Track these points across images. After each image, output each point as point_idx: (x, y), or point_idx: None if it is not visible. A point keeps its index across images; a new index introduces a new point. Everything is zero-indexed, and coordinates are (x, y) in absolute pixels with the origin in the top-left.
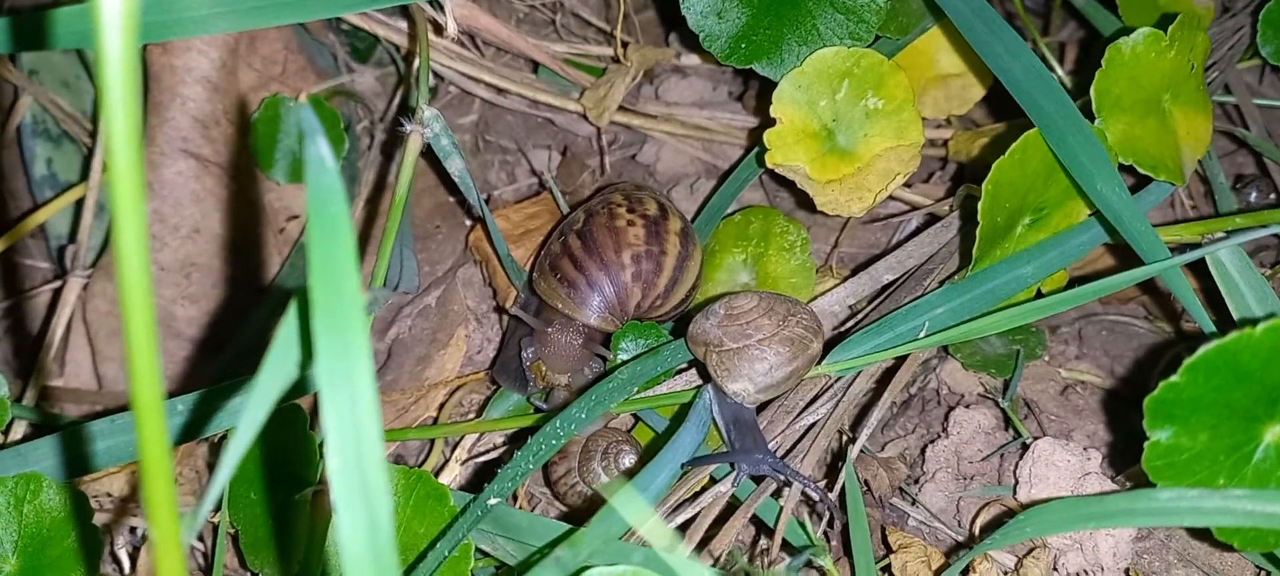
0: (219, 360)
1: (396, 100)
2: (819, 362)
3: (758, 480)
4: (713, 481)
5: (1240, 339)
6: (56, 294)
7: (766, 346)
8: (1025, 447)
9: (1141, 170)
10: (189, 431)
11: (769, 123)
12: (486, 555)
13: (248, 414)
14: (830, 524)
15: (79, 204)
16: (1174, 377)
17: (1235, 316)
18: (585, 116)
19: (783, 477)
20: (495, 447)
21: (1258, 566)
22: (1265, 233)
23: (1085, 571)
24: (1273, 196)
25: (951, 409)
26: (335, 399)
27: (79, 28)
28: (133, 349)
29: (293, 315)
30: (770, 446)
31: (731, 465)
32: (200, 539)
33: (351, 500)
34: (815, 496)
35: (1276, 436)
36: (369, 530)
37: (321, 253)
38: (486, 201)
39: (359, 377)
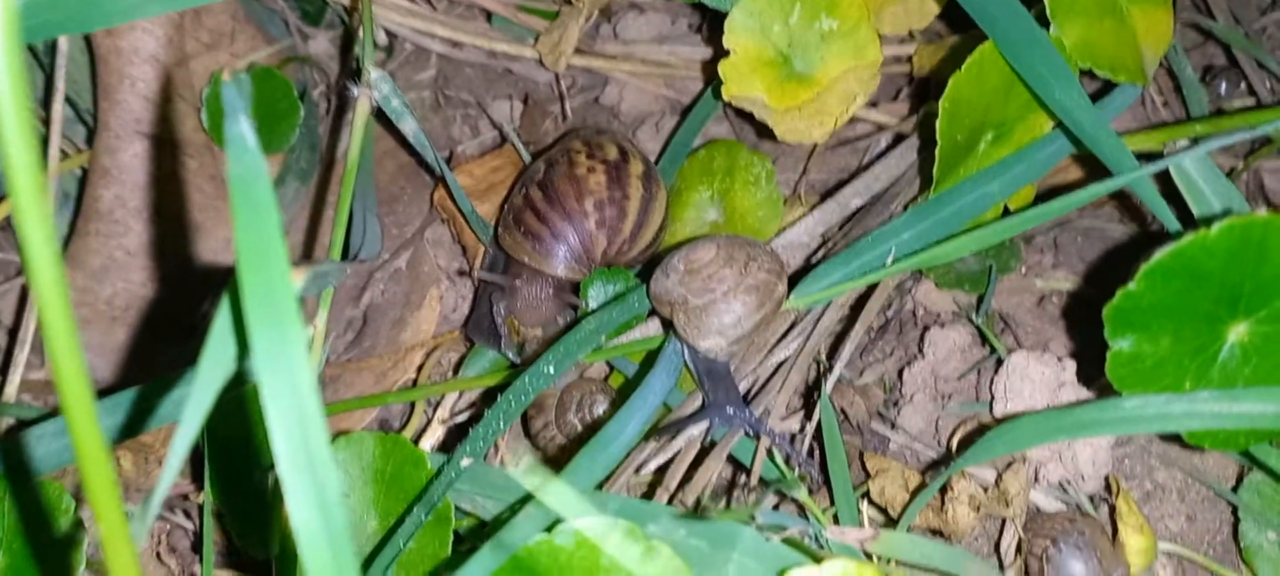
0: (192, 342)
1: (351, 62)
2: (787, 298)
3: None
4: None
5: (1196, 241)
6: (25, 289)
7: (732, 298)
8: (1001, 363)
9: (1101, 74)
10: (147, 421)
11: (723, 46)
12: (468, 514)
13: (190, 408)
14: (810, 454)
15: None
16: (1130, 286)
17: (1198, 219)
18: (542, 62)
19: (756, 431)
20: (474, 404)
21: (1239, 463)
22: (1235, 139)
23: (1066, 481)
24: (1243, 85)
25: (928, 329)
26: (275, 386)
27: None
28: (56, 353)
29: (226, 305)
30: (745, 384)
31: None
32: (188, 516)
33: (300, 484)
34: (788, 452)
35: (1241, 335)
36: (320, 513)
37: (249, 238)
38: (449, 158)
39: (296, 363)
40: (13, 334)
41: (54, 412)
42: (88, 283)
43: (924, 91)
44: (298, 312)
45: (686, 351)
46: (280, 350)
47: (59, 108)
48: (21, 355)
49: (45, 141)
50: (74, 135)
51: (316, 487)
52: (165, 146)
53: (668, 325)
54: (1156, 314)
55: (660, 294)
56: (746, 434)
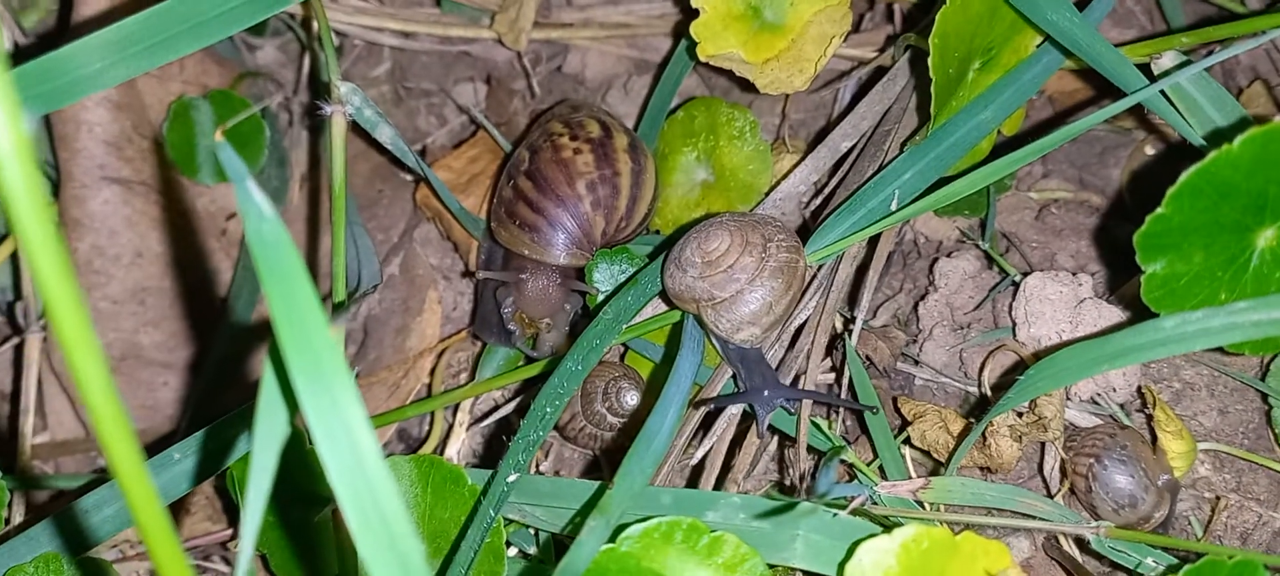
0: (198, 379)
1: (304, 68)
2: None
3: None
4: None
5: (1220, 157)
6: (17, 351)
7: (758, 285)
8: (1015, 286)
9: None
10: (196, 474)
11: (690, 9)
12: (514, 520)
13: (254, 484)
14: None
15: (15, 255)
16: (1160, 210)
17: (1199, 131)
18: (501, 41)
19: (799, 403)
20: (496, 404)
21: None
22: (1227, 55)
23: (1098, 395)
24: None
25: (934, 260)
26: (334, 448)
27: None
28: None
29: (270, 369)
30: (773, 353)
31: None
32: (227, 563)
33: (378, 548)
34: (832, 404)
35: (1269, 240)
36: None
37: (283, 304)
38: (423, 153)
39: (355, 426)
40: (14, 400)
41: (83, 487)
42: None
43: (889, 15)
44: (349, 375)
45: (718, 343)
46: (334, 412)
47: None
48: (27, 422)
49: None
50: None
51: (394, 550)
52: (134, 188)
53: (698, 321)
54: (1186, 233)
55: (681, 291)
56: (788, 411)
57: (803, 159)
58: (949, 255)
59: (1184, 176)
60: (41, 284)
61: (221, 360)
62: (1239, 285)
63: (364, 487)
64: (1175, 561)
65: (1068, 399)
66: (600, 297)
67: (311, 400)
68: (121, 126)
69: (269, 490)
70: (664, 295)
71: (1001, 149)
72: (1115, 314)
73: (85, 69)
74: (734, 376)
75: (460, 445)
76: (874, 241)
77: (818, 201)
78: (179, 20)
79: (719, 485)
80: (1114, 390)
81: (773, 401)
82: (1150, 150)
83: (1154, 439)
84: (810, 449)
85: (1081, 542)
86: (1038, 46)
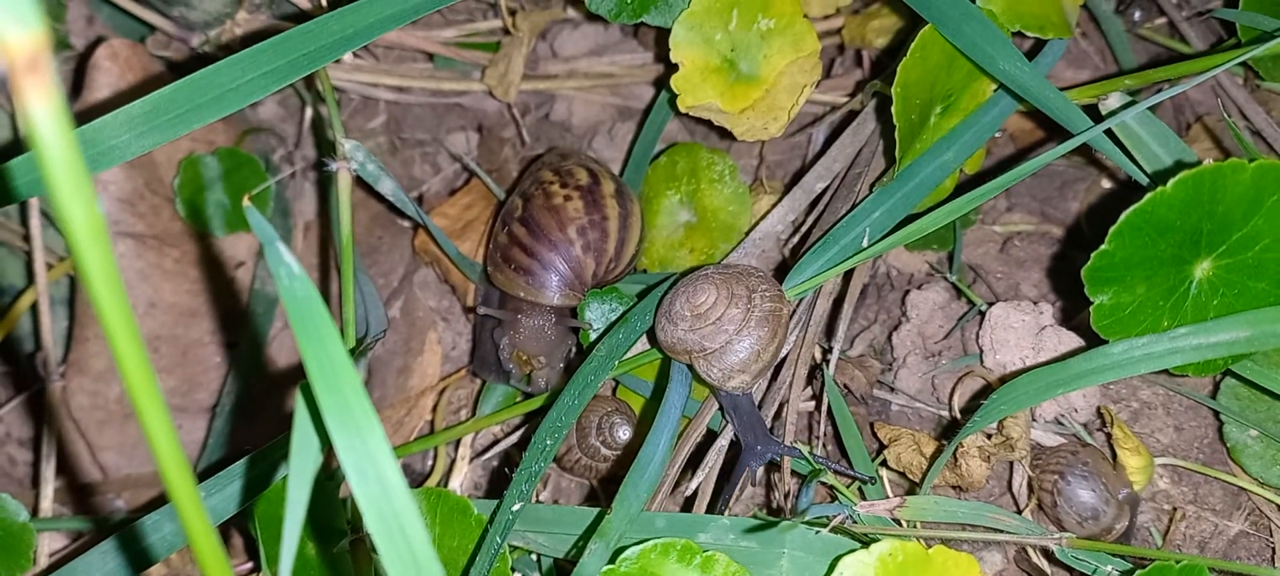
0: (214, 423)
1: (304, 121)
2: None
3: None
4: (712, 434)
5: (1155, 198)
6: (38, 399)
7: (746, 334)
8: (982, 315)
9: (1030, 33)
10: (221, 512)
11: (669, 59)
12: (517, 548)
13: (290, 516)
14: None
15: (35, 306)
16: (1104, 247)
17: (1147, 166)
18: (492, 93)
19: (789, 456)
20: (495, 439)
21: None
22: (1165, 96)
23: (1061, 416)
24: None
25: (906, 292)
26: (364, 485)
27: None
28: (170, 482)
29: (302, 411)
30: (757, 382)
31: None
32: None
33: (405, 572)
34: (819, 462)
35: (1205, 271)
36: None
37: (315, 355)
38: (420, 200)
39: (383, 463)
40: (36, 446)
41: (119, 525)
42: (95, 386)
43: (859, 60)
44: (376, 418)
45: (711, 391)
46: (364, 451)
47: (36, 222)
48: (49, 468)
49: (28, 256)
50: (55, 244)
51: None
52: (146, 242)
53: (691, 370)
54: (1128, 266)
55: (673, 343)
56: (775, 463)
57: (780, 200)
58: (919, 287)
59: (1124, 216)
60: (117, 353)
61: (233, 403)
62: (1180, 313)
63: (391, 518)
64: (1132, 567)
65: (1033, 419)
66: (593, 335)
67: (343, 441)
68: (134, 184)
69: (303, 521)
70: (657, 345)
71: (965, 186)
72: (1074, 340)
73: (113, 141)
74: (722, 410)
75: (463, 478)
76: (849, 276)
77: (795, 239)
78: (202, 94)
79: (711, 508)
80: (1075, 410)
81: (765, 457)
82: (1106, 183)
83: (1114, 455)
84: (793, 472)
85: (1048, 553)
86: (993, 92)
